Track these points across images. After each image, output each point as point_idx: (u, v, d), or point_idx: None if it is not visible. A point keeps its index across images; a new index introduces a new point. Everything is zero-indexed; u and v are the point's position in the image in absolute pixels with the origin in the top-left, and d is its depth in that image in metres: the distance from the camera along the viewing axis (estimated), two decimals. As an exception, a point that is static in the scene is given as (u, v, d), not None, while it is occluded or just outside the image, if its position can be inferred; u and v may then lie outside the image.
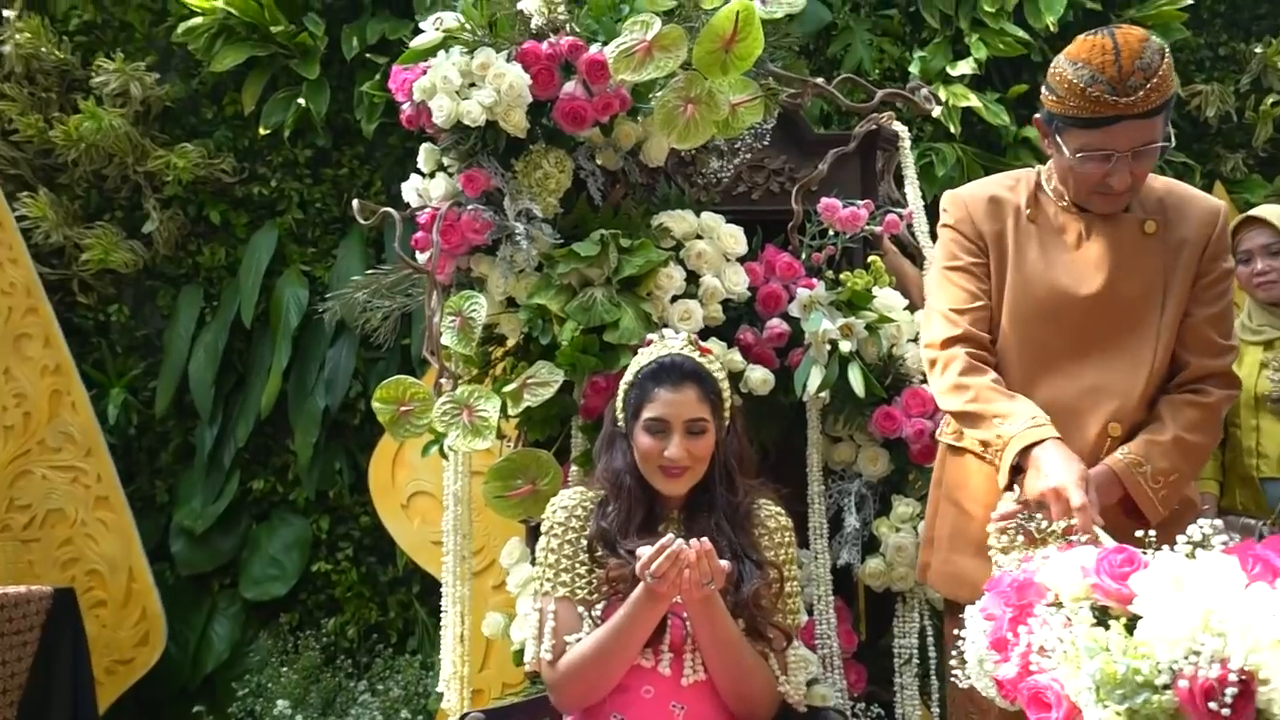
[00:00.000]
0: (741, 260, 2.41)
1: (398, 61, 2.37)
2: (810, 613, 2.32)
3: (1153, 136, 1.80)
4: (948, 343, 1.94)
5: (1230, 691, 1.13)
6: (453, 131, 2.28)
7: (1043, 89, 1.86)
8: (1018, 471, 1.79)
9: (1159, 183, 1.97)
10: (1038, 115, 1.90)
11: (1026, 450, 1.76)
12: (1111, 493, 1.82)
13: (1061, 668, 1.26)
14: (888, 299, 2.43)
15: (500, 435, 2.44)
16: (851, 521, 2.40)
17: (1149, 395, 1.90)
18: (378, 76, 3.61)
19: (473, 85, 2.23)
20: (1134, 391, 1.88)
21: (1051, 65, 1.84)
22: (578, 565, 1.85)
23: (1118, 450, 1.84)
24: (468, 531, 2.49)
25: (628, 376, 1.92)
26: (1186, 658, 1.16)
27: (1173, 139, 1.84)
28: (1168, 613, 1.19)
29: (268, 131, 3.79)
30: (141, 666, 3.56)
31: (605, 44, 2.22)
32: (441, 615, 2.46)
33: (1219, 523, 1.26)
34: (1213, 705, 1.13)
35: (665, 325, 2.25)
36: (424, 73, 2.26)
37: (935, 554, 2.06)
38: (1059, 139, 1.84)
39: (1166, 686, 1.17)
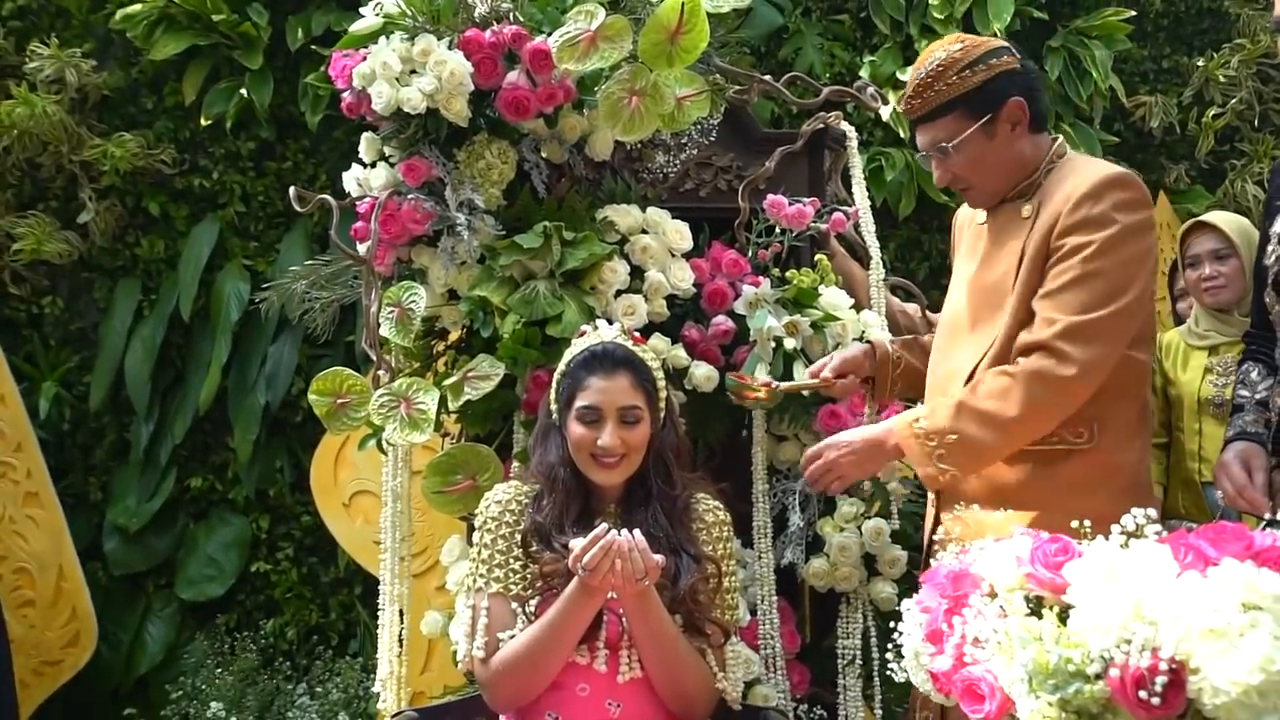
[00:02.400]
0: (688, 257, 2.39)
1: (336, 47, 2.32)
2: (753, 613, 2.30)
3: (935, 139, 1.90)
4: None
5: (1161, 680, 1.12)
6: (393, 119, 2.24)
7: None
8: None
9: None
10: None
11: None
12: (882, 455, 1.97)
13: (995, 659, 1.24)
14: (833, 298, 2.42)
15: (442, 432, 2.40)
16: (795, 521, 2.38)
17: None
18: (323, 69, 3.56)
19: (413, 72, 2.19)
20: (969, 372, 1.89)
21: None
22: (511, 560, 1.81)
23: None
24: (407, 529, 2.44)
25: (560, 366, 1.90)
26: (1118, 646, 1.15)
27: (949, 148, 1.88)
28: (1100, 601, 1.18)
29: (209, 122, 3.72)
30: (70, 668, 3.47)
31: (549, 34, 2.19)
32: (379, 614, 2.41)
33: (1152, 512, 1.25)
34: (1143, 694, 1.12)
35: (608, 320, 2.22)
36: (364, 59, 2.22)
37: None
38: None
39: (1098, 676, 1.16)
